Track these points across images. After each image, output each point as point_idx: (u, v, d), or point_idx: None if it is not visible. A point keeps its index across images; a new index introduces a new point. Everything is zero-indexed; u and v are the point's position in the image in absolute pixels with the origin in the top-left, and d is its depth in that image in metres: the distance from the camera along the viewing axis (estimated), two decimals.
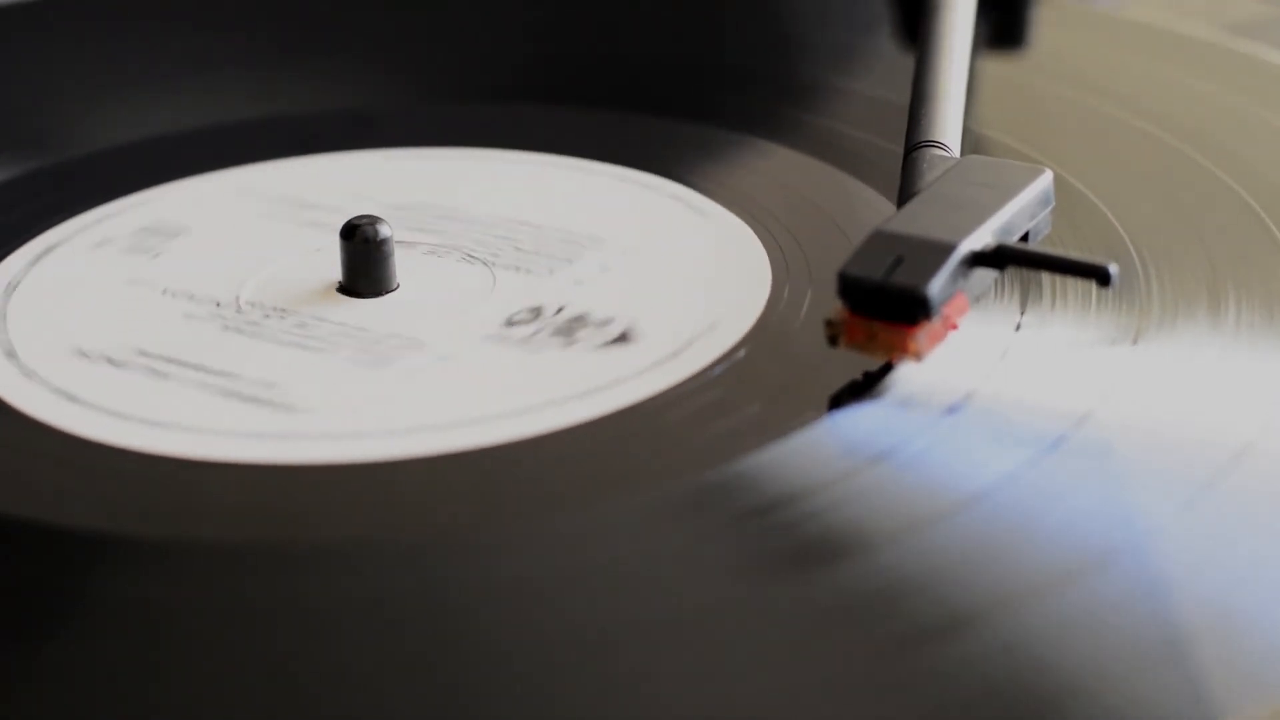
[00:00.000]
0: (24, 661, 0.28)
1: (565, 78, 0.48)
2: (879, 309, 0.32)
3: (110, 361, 0.35)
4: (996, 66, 0.47)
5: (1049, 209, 0.35)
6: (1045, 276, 0.36)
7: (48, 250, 0.40)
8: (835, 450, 0.32)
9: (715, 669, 0.27)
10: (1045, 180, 0.35)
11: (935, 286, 0.32)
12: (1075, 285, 0.36)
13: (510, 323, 0.36)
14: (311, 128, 0.45)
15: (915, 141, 0.36)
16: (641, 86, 0.47)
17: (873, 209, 0.39)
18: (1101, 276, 0.32)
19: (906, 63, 0.42)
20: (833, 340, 0.33)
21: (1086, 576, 0.28)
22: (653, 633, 0.28)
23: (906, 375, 0.33)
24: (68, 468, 0.32)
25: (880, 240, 0.33)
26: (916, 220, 0.33)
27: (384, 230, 0.37)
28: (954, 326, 0.33)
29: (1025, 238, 0.35)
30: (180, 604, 0.29)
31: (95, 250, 0.40)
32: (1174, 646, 0.27)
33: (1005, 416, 0.32)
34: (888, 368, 0.33)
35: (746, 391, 0.34)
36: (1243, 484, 0.31)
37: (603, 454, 0.32)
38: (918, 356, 0.32)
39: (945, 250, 0.33)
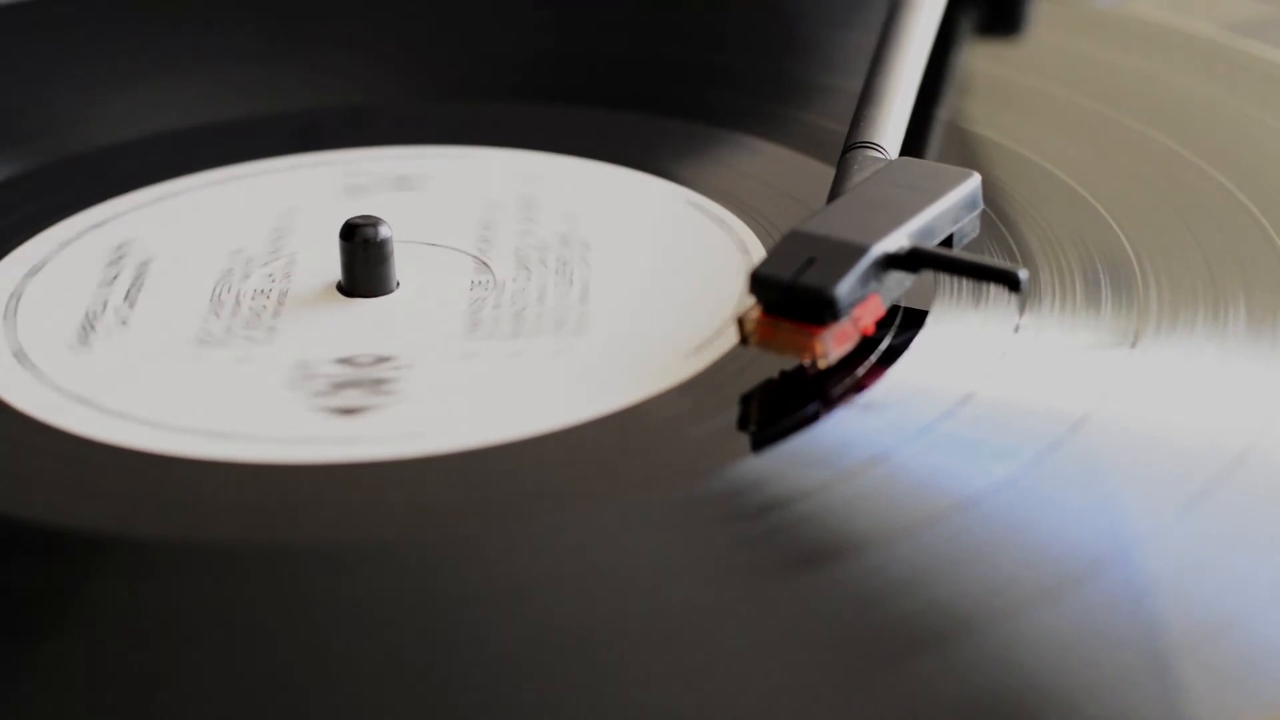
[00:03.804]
0: (24, 662, 0.29)
1: (556, 76, 0.48)
2: (789, 309, 0.32)
3: (111, 361, 0.36)
4: (994, 65, 0.46)
5: (976, 213, 0.35)
6: (1046, 276, 0.36)
7: (50, 257, 0.40)
8: (832, 452, 0.32)
9: (707, 672, 0.27)
10: (972, 184, 0.35)
11: (843, 288, 0.32)
12: (1076, 287, 0.36)
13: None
14: (308, 124, 0.45)
15: (852, 142, 0.36)
16: (635, 85, 0.47)
17: None
18: (1011, 282, 0.32)
19: None
20: (744, 339, 0.33)
21: (1081, 582, 0.28)
22: (647, 635, 0.28)
23: (904, 377, 0.33)
24: (68, 468, 0.33)
25: (795, 240, 0.33)
26: (833, 221, 0.33)
27: (384, 231, 0.37)
28: (866, 329, 0.33)
29: (950, 241, 0.34)
30: (180, 605, 0.29)
31: (94, 252, 0.40)
32: (1170, 654, 0.27)
33: (1003, 419, 0.32)
34: (884, 368, 0.33)
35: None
36: (1240, 489, 0.30)
37: (599, 456, 0.32)
38: (824, 358, 0.32)
39: (857, 252, 0.32)
